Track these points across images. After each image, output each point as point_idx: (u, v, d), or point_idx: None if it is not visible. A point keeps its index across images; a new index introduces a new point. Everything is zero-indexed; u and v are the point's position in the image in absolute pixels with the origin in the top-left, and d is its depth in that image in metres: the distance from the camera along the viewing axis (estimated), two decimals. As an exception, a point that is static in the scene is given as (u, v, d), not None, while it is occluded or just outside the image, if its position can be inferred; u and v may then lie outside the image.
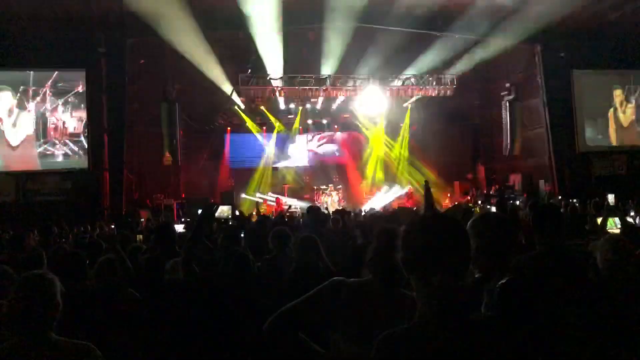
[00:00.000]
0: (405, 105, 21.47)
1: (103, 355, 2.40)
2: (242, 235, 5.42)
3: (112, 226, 12.35)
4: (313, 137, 22.79)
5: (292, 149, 22.66)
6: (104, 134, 16.11)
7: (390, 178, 22.25)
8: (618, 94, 19.79)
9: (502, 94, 19.94)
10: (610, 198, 11.49)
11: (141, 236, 8.89)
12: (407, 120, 22.08)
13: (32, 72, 15.98)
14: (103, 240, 5.84)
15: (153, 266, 4.06)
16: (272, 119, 21.21)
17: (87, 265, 4.17)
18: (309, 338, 2.39)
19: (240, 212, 10.37)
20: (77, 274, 3.93)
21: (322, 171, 22.40)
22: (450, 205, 14.29)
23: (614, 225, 6.56)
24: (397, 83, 19.79)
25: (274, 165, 22.08)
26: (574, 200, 13.74)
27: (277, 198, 20.23)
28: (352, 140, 23.14)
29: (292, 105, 20.83)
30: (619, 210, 7.22)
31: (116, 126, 16.28)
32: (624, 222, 5.86)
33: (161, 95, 17.38)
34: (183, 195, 18.67)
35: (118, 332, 3.43)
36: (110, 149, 16.17)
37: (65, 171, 15.98)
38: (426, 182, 5.82)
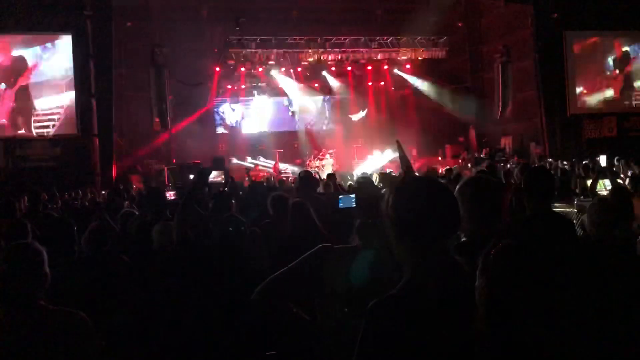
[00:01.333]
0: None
1: (93, 322, 2.41)
2: (233, 201, 5.41)
3: (103, 192, 12.31)
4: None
5: (282, 112, 22.52)
6: (92, 99, 15.88)
7: (383, 141, 22.21)
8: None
9: (494, 56, 19.79)
10: (602, 160, 11.52)
11: (127, 202, 8.86)
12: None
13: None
14: (92, 207, 5.82)
15: (144, 232, 4.05)
16: (258, 84, 21.00)
17: (76, 231, 4.14)
18: (298, 306, 2.41)
19: (232, 177, 10.36)
20: (66, 241, 3.92)
21: (312, 135, 22.33)
22: (444, 169, 14.28)
23: (603, 187, 6.59)
24: (389, 45, 19.61)
25: (264, 130, 21.99)
26: (564, 163, 13.83)
27: (274, 164, 20.20)
28: (342, 103, 23.00)
29: (282, 68, 20.59)
30: (610, 172, 7.24)
31: (104, 91, 16.04)
32: (614, 184, 5.89)
33: (149, 59, 17.09)
34: (174, 161, 18.58)
35: (108, 299, 3.43)
36: (99, 115, 15.98)
37: (54, 137, 15.81)
38: (397, 141, 5.62)
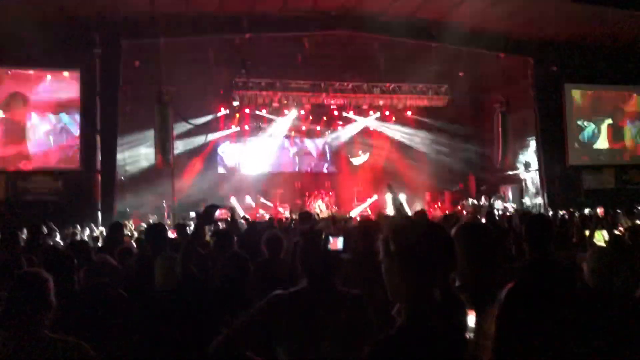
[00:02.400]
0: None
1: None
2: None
3: (102, 228, 12.31)
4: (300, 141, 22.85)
5: (284, 154, 22.72)
6: (96, 136, 16.05)
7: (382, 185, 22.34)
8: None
9: (494, 105, 20.08)
10: (599, 211, 11.59)
11: (127, 238, 8.85)
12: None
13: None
14: (92, 243, 5.82)
15: (144, 267, 4.05)
16: (261, 125, 21.21)
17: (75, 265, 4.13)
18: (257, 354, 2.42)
19: (232, 216, 10.39)
20: (65, 274, 3.90)
21: (313, 177, 22.47)
22: (440, 215, 14.33)
23: (601, 238, 6.62)
24: (391, 92, 19.95)
25: (266, 171, 22.14)
26: (563, 213, 13.86)
27: (274, 204, 20.24)
28: (344, 147, 23.24)
29: (285, 111, 20.88)
30: (607, 223, 7.28)
31: (109, 128, 16.22)
32: (611, 234, 5.92)
33: (155, 98, 17.34)
34: (175, 199, 18.61)
35: (106, 332, 3.42)
36: (103, 151, 16.11)
37: (57, 171, 15.90)
38: (389, 185, 5.63)
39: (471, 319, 1.79)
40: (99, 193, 15.91)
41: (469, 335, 1.74)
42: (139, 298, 3.78)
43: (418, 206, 17.02)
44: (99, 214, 15.40)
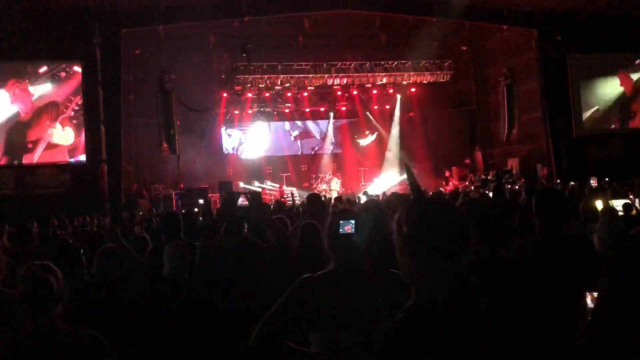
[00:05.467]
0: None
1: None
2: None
3: (108, 219, 12.34)
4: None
5: (288, 137, 22.69)
6: (100, 126, 16.07)
7: (389, 165, 22.31)
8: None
9: (498, 78, 19.91)
10: (592, 181, 11.60)
11: (137, 227, 8.89)
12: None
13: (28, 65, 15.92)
14: (102, 232, 5.84)
15: (158, 256, 4.04)
16: (265, 108, 21.14)
17: (84, 256, 4.14)
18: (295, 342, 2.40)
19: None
20: (74, 265, 3.90)
21: (319, 159, 22.47)
22: (450, 191, 14.33)
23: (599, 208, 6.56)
24: (394, 69, 19.82)
25: (271, 154, 22.15)
26: (573, 184, 13.79)
27: (280, 186, 20.28)
28: (350, 127, 23.20)
29: (289, 94, 20.81)
30: (602, 193, 7.25)
31: (112, 118, 16.24)
32: (605, 204, 5.86)
33: (157, 86, 17.32)
34: (182, 186, 18.68)
35: (119, 324, 3.42)
36: (108, 141, 16.14)
37: (63, 164, 15.97)
38: (406, 165, 5.68)
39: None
40: (105, 184, 15.98)
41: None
42: (151, 288, 3.80)
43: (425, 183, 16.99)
44: (107, 204, 15.46)
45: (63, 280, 2.41)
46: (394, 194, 11.52)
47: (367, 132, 23.04)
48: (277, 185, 20.39)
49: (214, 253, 3.88)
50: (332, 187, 20.31)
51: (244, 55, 18.02)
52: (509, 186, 15.42)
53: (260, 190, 17.26)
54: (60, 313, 2.38)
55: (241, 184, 19.47)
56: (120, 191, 16.31)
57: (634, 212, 6.52)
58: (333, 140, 23.16)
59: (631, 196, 8.51)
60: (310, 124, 22.94)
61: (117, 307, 3.55)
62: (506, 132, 19.43)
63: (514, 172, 19.96)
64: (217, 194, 18.41)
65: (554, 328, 2.42)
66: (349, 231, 2.40)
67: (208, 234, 3.85)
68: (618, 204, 6.50)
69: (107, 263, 3.89)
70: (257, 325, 2.32)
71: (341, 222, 2.41)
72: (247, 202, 4.04)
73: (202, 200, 14.74)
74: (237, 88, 19.37)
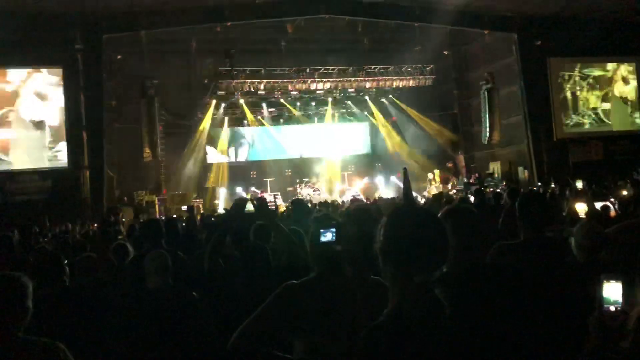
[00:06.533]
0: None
1: (74, 355, 2.41)
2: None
3: (94, 225, 12.23)
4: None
5: (273, 141, 22.64)
6: (82, 132, 15.93)
7: (373, 168, 22.46)
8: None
9: (480, 83, 20.12)
10: (579, 184, 11.72)
11: (121, 235, 8.83)
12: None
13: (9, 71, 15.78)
14: (85, 240, 5.80)
15: (139, 264, 4.02)
16: (248, 114, 21.06)
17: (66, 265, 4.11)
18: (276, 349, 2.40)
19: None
20: (55, 274, 3.86)
21: (303, 164, 22.45)
22: (433, 195, 14.42)
23: (582, 211, 6.65)
24: (377, 74, 19.94)
25: (256, 159, 22.10)
26: (554, 187, 13.98)
27: (262, 192, 20.20)
28: (334, 131, 23.22)
29: (272, 99, 20.80)
30: (586, 196, 7.35)
31: (94, 124, 16.10)
32: (590, 207, 5.94)
33: (140, 91, 17.23)
34: (165, 191, 18.58)
35: (91, 332, 3.39)
36: (90, 147, 16.00)
37: (44, 170, 15.79)
38: (404, 169, 5.72)
39: (617, 288, 1.76)
40: (88, 190, 15.82)
41: (615, 306, 1.75)
42: (131, 297, 3.76)
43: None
44: (88, 211, 15.30)
45: (31, 294, 2.40)
46: (380, 198, 11.59)
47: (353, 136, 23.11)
48: (259, 191, 20.33)
49: (223, 261, 3.86)
50: (316, 192, 20.30)
51: (227, 60, 17.99)
52: (491, 189, 15.58)
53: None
54: (30, 323, 2.37)
55: (222, 190, 19.40)
56: (103, 198, 16.17)
57: (613, 214, 6.63)
58: (319, 144, 23.11)
59: (611, 199, 8.65)
60: (295, 127, 22.89)
61: (93, 315, 3.51)
62: (487, 135, 19.63)
63: (496, 175, 20.17)
64: (201, 200, 18.38)
65: (538, 334, 2.46)
66: (329, 239, 2.41)
67: (215, 243, 3.83)
68: (597, 206, 6.60)
69: (85, 271, 3.86)
70: (237, 330, 2.32)
71: (321, 230, 2.43)
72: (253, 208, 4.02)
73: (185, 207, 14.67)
74: (220, 93, 19.32)
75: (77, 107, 15.89)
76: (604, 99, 20.13)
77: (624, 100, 20.45)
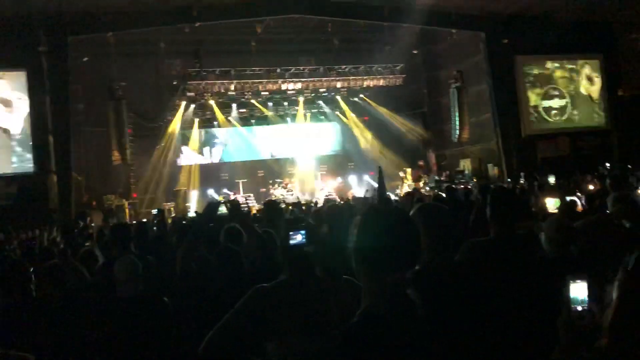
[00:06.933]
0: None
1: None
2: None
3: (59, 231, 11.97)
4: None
5: (245, 142, 22.50)
6: (48, 136, 15.57)
7: (346, 167, 22.53)
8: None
9: (449, 81, 20.35)
10: (551, 179, 11.91)
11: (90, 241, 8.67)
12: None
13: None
14: (52, 247, 5.67)
15: (109, 271, 3.93)
16: (218, 115, 20.89)
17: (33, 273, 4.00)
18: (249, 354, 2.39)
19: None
20: (21, 285, 3.75)
21: (276, 164, 22.38)
22: (404, 193, 14.51)
23: (555, 206, 6.76)
24: (347, 74, 20.03)
25: (229, 160, 21.93)
26: (523, 183, 14.19)
27: (234, 193, 20.05)
28: (306, 131, 23.19)
29: (242, 99, 20.69)
30: (559, 191, 7.49)
31: (61, 127, 15.76)
32: (562, 202, 6.05)
33: (107, 94, 16.94)
34: (135, 195, 18.31)
35: (60, 343, 3.31)
36: (56, 151, 15.66)
37: (9, 175, 15.40)
38: (380, 168, 5.74)
39: (583, 288, 1.75)
40: (55, 195, 15.48)
41: (582, 306, 1.73)
42: (101, 307, 3.66)
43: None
44: (56, 216, 14.97)
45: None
46: (355, 198, 11.59)
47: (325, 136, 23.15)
48: (232, 192, 20.17)
49: (195, 264, 3.81)
50: (289, 192, 20.23)
51: (196, 61, 17.84)
52: (462, 186, 15.76)
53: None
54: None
55: (194, 192, 19.22)
56: (71, 203, 15.84)
57: (580, 209, 6.76)
58: (291, 144, 23.06)
59: (578, 193, 8.82)
60: (267, 128, 22.78)
61: (61, 326, 3.43)
62: (457, 133, 19.86)
63: (466, 172, 20.43)
64: (172, 203, 18.17)
65: (510, 331, 2.47)
66: (299, 241, 2.40)
67: (189, 247, 3.77)
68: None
69: (51, 280, 3.77)
70: (207, 335, 2.29)
71: (290, 233, 2.42)
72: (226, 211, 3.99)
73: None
74: (189, 94, 19.13)
75: (42, 111, 15.53)
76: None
77: (590, 98, 20.92)
